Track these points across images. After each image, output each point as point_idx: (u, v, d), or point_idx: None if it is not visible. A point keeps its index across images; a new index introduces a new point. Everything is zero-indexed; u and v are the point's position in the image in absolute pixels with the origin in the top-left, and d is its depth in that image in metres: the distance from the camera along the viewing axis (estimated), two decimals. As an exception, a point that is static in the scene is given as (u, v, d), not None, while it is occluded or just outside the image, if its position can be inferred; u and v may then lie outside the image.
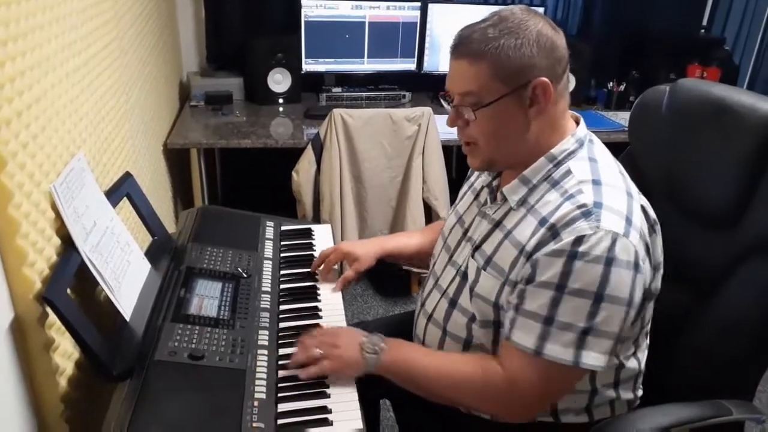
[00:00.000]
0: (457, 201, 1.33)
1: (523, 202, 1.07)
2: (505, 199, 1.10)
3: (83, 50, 1.28)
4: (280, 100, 2.80)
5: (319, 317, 1.26)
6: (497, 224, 1.10)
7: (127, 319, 1.11)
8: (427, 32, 2.86)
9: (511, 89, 1.00)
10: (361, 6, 2.77)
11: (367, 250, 1.40)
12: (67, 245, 1.05)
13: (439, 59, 2.91)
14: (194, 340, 1.09)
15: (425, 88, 2.98)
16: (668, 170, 1.26)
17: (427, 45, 2.88)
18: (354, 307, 2.60)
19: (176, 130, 2.40)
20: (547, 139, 1.06)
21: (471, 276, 1.12)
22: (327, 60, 2.85)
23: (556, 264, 0.95)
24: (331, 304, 1.31)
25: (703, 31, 3.10)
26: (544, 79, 1.00)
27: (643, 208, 1.03)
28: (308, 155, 2.32)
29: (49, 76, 1.07)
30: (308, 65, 2.83)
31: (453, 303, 1.15)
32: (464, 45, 1.01)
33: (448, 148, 2.50)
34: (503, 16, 1.01)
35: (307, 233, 1.59)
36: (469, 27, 1.03)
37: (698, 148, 1.21)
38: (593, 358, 0.97)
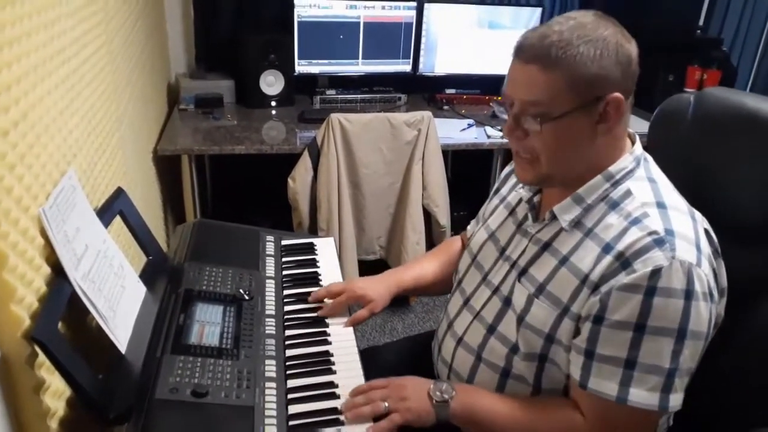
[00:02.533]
0: (484, 214, 1.25)
1: (577, 223, 0.99)
2: (553, 218, 1.02)
3: (73, 57, 1.19)
4: (273, 103, 2.71)
5: (328, 343, 1.19)
6: (546, 246, 1.03)
7: (123, 351, 1.03)
8: (423, 33, 2.79)
9: (583, 103, 0.92)
10: (355, 6, 2.69)
11: (382, 290, 1.29)
12: (58, 274, 0.96)
13: (435, 60, 2.84)
14: (197, 374, 1.01)
15: (421, 89, 2.91)
16: (693, 182, 1.19)
17: (422, 46, 2.81)
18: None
19: (166, 135, 2.30)
20: (606, 157, 0.98)
21: (519, 304, 1.03)
22: (321, 61, 2.76)
23: (631, 300, 0.88)
24: (339, 328, 1.24)
25: (699, 31, 3.06)
26: (619, 95, 0.92)
27: (707, 231, 0.96)
28: (305, 161, 2.24)
29: (37, 89, 0.98)
30: (301, 67, 2.74)
31: (491, 329, 1.08)
32: (535, 48, 0.91)
33: (443, 152, 2.42)
34: (581, 22, 0.92)
35: (310, 248, 1.51)
36: (539, 29, 0.94)
37: (728, 161, 1.15)
38: (677, 398, 0.90)
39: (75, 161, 1.16)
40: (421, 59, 2.83)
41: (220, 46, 2.77)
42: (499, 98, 2.83)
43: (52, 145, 1.04)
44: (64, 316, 0.96)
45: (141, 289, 1.20)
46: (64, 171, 1.07)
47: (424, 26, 2.77)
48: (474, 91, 2.87)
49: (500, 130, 2.48)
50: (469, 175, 2.78)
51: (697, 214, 0.98)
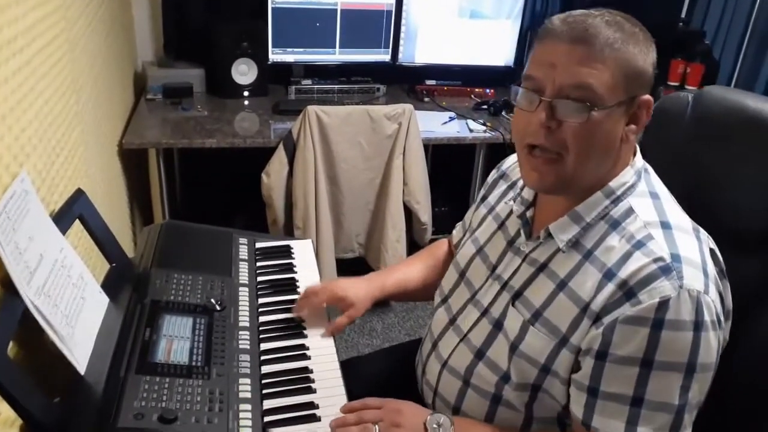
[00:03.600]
0: (471, 223, 1.17)
1: (575, 243, 0.92)
2: (548, 237, 0.95)
3: (25, 47, 1.08)
4: (246, 93, 2.60)
5: (307, 358, 1.11)
6: (542, 268, 0.95)
7: (82, 372, 0.94)
8: (403, 21, 2.70)
9: (626, 98, 0.85)
10: (333, -8, 2.59)
11: (363, 293, 1.21)
12: (8, 290, 0.86)
13: (415, 50, 2.75)
14: (164, 397, 0.93)
15: (401, 80, 2.82)
16: (692, 186, 1.14)
17: (402, 35, 2.72)
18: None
19: (132, 127, 2.18)
20: (610, 169, 0.91)
21: (512, 330, 0.95)
22: (296, 50, 2.66)
23: (637, 334, 0.81)
24: (319, 340, 1.16)
25: (682, 24, 3.03)
26: (649, 96, 0.86)
27: (712, 251, 0.90)
28: (280, 155, 2.14)
29: (-21, 85, 0.87)
30: (276, 55, 2.63)
31: (480, 354, 1.00)
32: (582, 31, 0.82)
33: (424, 147, 2.34)
34: (623, 17, 0.86)
35: (286, 251, 1.42)
36: (573, 15, 0.86)
37: (730, 164, 1.10)
38: None
39: (28, 162, 1.05)
40: (401, 49, 2.74)
41: (190, 32, 2.64)
42: (480, 90, 2.77)
43: (1, 145, 0.93)
44: (16, 334, 0.87)
45: (103, 301, 1.10)
46: (15, 174, 0.97)
47: (403, 14, 2.68)
48: (455, 83, 2.79)
49: (482, 123, 2.42)
50: (450, 170, 2.71)
51: (702, 233, 0.91)
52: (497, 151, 2.45)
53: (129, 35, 2.51)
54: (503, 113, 2.52)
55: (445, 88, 2.76)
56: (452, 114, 2.50)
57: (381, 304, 2.50)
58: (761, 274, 1.05)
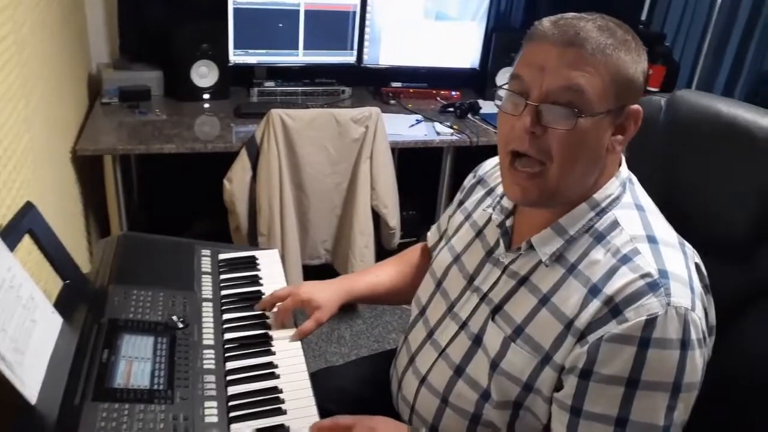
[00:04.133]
0: (447, 229, 1.13)
1: (558, 257, 0.88)
2: (530, 249, 0.92)
3: (-37, 51, 1.00)
4: (206, 96, 2.52)
5: (276, 376, 1.06)
6: (523, 281, 0.92)
7: (33, 402, 0.87)
8: (368, 22, 2.65)
9: (616, 106, 0.82)
10: (295, -8, 2.53)
11: (330, 295, 1.18)
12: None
13: (380, 52, 2.72)
14: (124, 425, 0.87)
15: (366, 82, 2.78)
16: (667, 194, 1.13)
17: (367, 36, 2.68)
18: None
19: (86, 133, 2.08)
20: (600, 179, 0.88)
21: (492, 346, 0.92)
22: (258, 51, 2.59)
23: (623, 353, 0.78)
24: (288, 357, 1.11)
25: (642, 26, 3.07)
26: (638, 106, 0.84)
27: (697, 266, 0.88)
28: (242, 160, 2.08)
29: None
30: (237, 57, 2.56)
31: (459, 371, 0.96)
32: (573, 34, 0.79)
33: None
34: (615, 23, 0.84)
35: (251, 262, 1.37)
36: (563, 17, 0.83)
37: (703, 170, 1.09)
38: None
39: (-30, 174, 0.98)
40: (366, 50, 2.70)
41: (147, 33, 2.54)
42: (446, 92, 2.75)
43: (-62, 158, 0.86)
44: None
45: (56, 322, 1.03)
46: (-45, 188, 0.89)
47: (368, 15, 2.64)
48: (421, 85, 2.76)
49: (449, 126, 2.39)
50: (417, 173, 2.68)
51: (688, 247, 0.89)
52: (465, 154, 2.44)
53: (82, 36, 2.41)
54: (470, 116, 2.51)
55: (411, 90, 2.73)
56: (419, 117, 2.47)
57: (349, 310, 2.47)
58: (740, 285, 1.04)
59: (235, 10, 2.48)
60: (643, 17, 3.07)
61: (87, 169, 2.07)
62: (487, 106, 2.58)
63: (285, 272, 1.36)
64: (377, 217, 2.24)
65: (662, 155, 1.15)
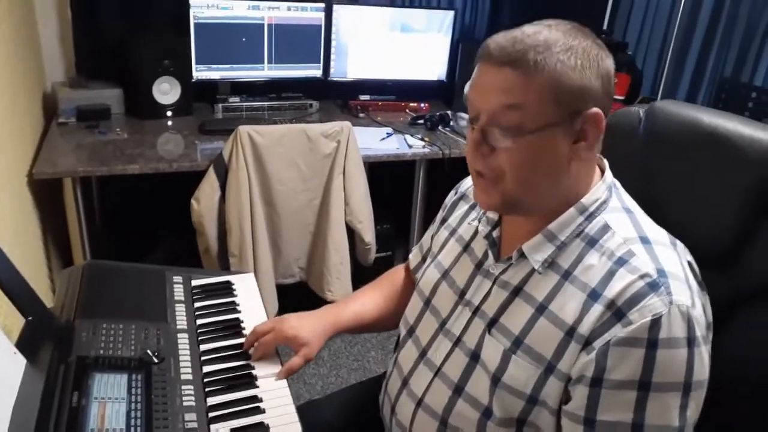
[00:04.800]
0: (432, 247, 1.10)
1: (551, 263, 0.87)
2: (520, 257, 0.90)
3: None
4: (169, 113, 2.45)
5: (261, 411, 1.00)
6: (517, 291, 0.89)
7: (-3, 456, 0.80)
8: (333, 35, 2.63)
9: (563, 117, 0.80)
10: (258, 6, 2.48)
11: (315, 329, 1.12)
12: None
13: (346, 65, 2.68)
14: (99, 475, 0.80)
15: (334, 96, 2.75)
16: (647, 204, 1.12)
17: (333, 49, 2.65)
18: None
19: (43, 155, 1.98)
20: (577, 186, 0.87)
21: (492, 361, 0.89)
22: (221, 66, 2.53)
23: (632, 356, 0.76)
24: (272, 389, 1.05)
25: (604, 35, 3.11)
26: (598, 110, 0.81)
27: (689, 264, 0.87)
28: (210, 180, 2.01)
29: None
30: (200, 72, 2.50)
31: (458, 390, 0.93)
32: (510, 50, 0.79)
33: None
34: (557, 30, 0.81)
35: (226, 288, 1.30)
36: (510, 33, 0.82)
37: (685, 181, 1.08)
38: None
39: None
40: (332, 63, 2.66)
41: (104, 50, 2.46)
42: (415, 105, 2.73)
43: None
44: None
45: (19, 363, 0.95)
46: None
47: (333, 29, 2.61)
48: (389, 98, 2.74)
49: (421, 138, 2.37)
50: (388, 186, 2.64)
51: (679, 246, 0.89)
52: (437, 167, 2.42)
53: (35, 55, 2.30)
54: (440, 128, 2.49)
55: (380, 103, 2.71)
56: (389, 130, 2.45)
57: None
58: (726, 290, 1.03)
59: (197, 24, 2.42)
60: (605, 26, 3.12)
61: (45, 194, 1.97)
62: (456, 118, 2.56)
63: (258, 288, 1.31)
64: (351, 233, 2.20)
65: (642, 167, 1.14)
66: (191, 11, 2.38)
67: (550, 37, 0.80)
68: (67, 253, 2.10)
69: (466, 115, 0.88)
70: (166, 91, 2.42)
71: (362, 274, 2.32)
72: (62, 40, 2.44)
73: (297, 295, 2.27)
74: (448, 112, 2.58)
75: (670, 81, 2.69)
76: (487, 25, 3.01)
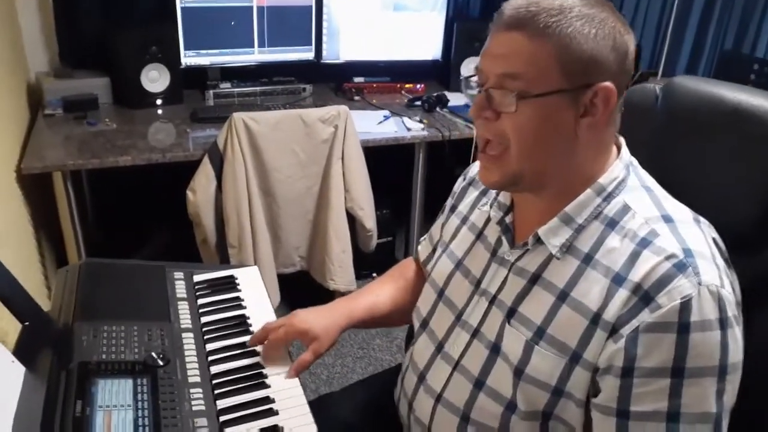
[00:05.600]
0: (443, 236, 1.06)
1: (569, 248, 0.83)
2: (536, 243, 0.86)
3: None
4: (158, 102, 2.38)
5: (274, 413, 0.96)
6: (535, 279, 0.85)
7: (0, 473, 0.75)
8: (325, 17, 2.55)
9: (570, 85, 0.77)
10: (246, -12, 2.41)
11: (328, 323, 1.07)
12: None
13: (339, 47, 2.62)
14: (109, 491, 0.76)
15: (327, 79, 2.69)
16: (670, 186, 1.08)
17: (325, 31, 2.57)
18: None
19: (31, 149, 1.92)
20: (592, 165, 0.83)
21: (513, 353, 0.85)
22: (211, 51, 2.46)
23: (663, 342, 0.73)
24: (284, 389, 1.01)
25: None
26: (610, 84, 0.77)
27: (715, 241, 0.83)
28: (206, 170, 1.95)
29: None
30: (189, 58, 2.43)
31: (479, 384, 0.89)
32: (521, 14, 0.77)
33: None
34: None
35: (230, 283, 1.26)
36: None
37: (708, 161, 1.04)
38: None
39: None
40: (325, 45, 2.59)
41: (88, 38, 2.38)
42: (411, 86, 2.67)
43: None
44: None
45: (17, 372, 0.91)
46: None
47: (324, 9, 2.54)
48: (383, 79, 2.68)
49: (419, 121, 2.32)
50: (387, 170, 2.59)
51: (703, 222, 0.85)
52: (435, 149, 2.37)
53: (17, 45, 2.22)
54: (438, 109, 2.44)
55: (374, 85, 2.65)
56: (386, 112, 2.39)
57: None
58: (749, 277, 0.99)
59: (183, 9, 2.35)
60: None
61: (35, 189, 1.91)
62: (454, 98, 2.51)
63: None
64: (352, 220, 2.15)
65: (660, 146, 1.10)
66: (177, -5, 2.31)
67: (567, 2, 0.77)
68: (60, 249, 2.04)
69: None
70: (154, 79, 2.35)
71: (362, 261, 2.28)
72: (44, 30, 2.36)
73: (299, 285, 2.24)
74: (445, 93, 2.52)
75: (670, 54, 2.64)
76: (481, 2, 2.94)
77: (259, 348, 1.07)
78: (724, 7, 2.52)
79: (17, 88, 2.10)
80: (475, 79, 0.84)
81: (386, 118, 2.33)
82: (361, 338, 2.31)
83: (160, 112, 2.36)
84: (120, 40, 2.28)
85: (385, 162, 2.61)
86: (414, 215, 2.46)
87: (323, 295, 2.20)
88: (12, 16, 2.19)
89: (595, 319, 0.78)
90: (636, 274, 0.76)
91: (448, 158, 2.26)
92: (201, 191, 1.95)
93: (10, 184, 1.70)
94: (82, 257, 1.97)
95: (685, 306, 0.72)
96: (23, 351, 0.94)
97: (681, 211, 0.84)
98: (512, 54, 0.77)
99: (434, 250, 1.12)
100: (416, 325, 1.05)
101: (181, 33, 2.36)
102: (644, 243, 0.78)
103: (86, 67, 2.37)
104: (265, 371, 1.04)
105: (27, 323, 1.01)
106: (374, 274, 2.54)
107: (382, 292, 1.17)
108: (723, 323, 0.74)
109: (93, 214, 2.44)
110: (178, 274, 1.23)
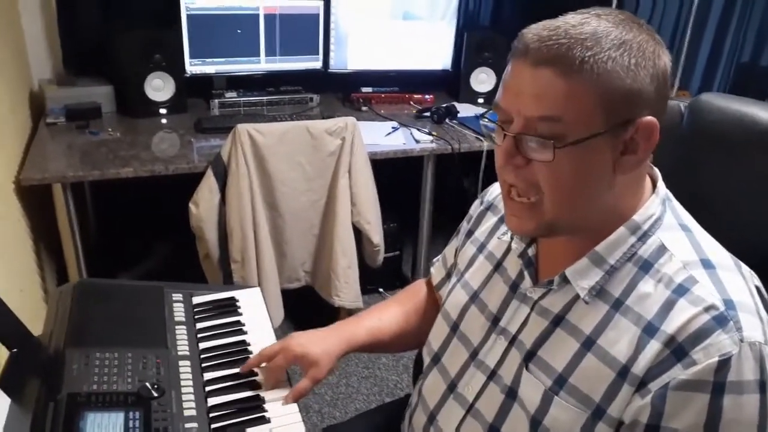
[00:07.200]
0: (458, 263, 1.00)
1: (599, 291, 0.76)
2: (564, 282, 0.79)
3: None
4: (162, 111, 2.34)
5: (274, 448, 0.90)
6: (558, 321, 0.79)
7: None
8: (332, 25, 2.51)
9: (611, 125, 0.69)
10: (253, -4, 2.36)
11: (327, 348, 1.01)
12: None
13: (347, 56, 2.57)
14: None
15: (334, 89, 2.64)
16: (692, 210, 1.02)
17: (332, 40, 2.53)
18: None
19: (31, 159, 1.87)
20: (627, 201, 0.76)
21: (531, 400, 0.79)
22: (216, 60, 2.42)
23: (694, 402, 0.66)
24: (285, 424, 0.95)
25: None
26: (652, 119, 0.70)
27: (758, 289, 0.76)
28: (209, 182, 1.90)
29: None
30: (194, 67, 2.38)
31: (493, 430, 0.83)
32: (550, 47, 0.68)
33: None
34: (609, 21, 0.69)
35: (230, 305, 1.20)
36: (550, 23, 0.70)
37: (737, 180, 0.99)
38: None
39: None
40: (332, 54, 2.55)
41: (92, 45, 2.34)
42: (419, 96, 2.62)
43: None
44: None
45: (2, 404, 0.86)
46: None
47: (332, 17, 2.49)
48: (392, 89, 2.63)
49: (428, 133, 2.26)
50: (394, 182, 2.54)
51: (744, 268, 0.78)
52: (444, 161, 2.31)
53: (20, 52, 2.18)
54: (447, 120, 2.38)
55: (383, 95, 2.59)
56: (394, 124, 2.33)
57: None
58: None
59: (189, 17, 2.30)
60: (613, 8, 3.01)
61: (35, 201, 1.86)
62: (464, 110, 2.45)
63: (263, 298, 1.22)
64: (358, 234, 2.09)
65: (686, 166, 1.04)
66: (182, 3, 2.27)
67: (599, 28, 0.68)
68: (61, 264, 1.99)
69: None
70: (158, 87, 2.31)
71: (369, 276, 2.22)
72: (48, 37, 2.32)
73: (303, 301, 2.18)
74: (455, 104, 2.47)
75: (685, 68, 2.58)
76: (492, 12, 2.89)
77: (258, 378, 1.01)
78: (741, 18, 2.46)
79: (20, 95, 2.06)
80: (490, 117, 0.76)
81: (394, 129, 2.28)
82: (367, 357, 2.25)
83: (164, 121, 2.31)
84: (124, 48, 2.24)
85: (393, 174, 2.56)
86: (422, 229, 2.39)
87: (328, 311, 2.14)
88: (15, 22, 2.15)
89: (623, 372, 0.71)
90: (670, 326, 0.69)
91: (457, 171, 2.20)
92: (204, 204, 1.90)
93: (8, 196, 1.66)
94: (83, 271, 1.92)
95: (723, 364, 0.66)
96: (9, 381, 0.89)
97: (721, 256, 0.76)
98: (545, 95, 0.69)
99: (448, 275, 1.05)
100: (427, 359, 0.98)
101: (186, 40, 2.32)
102: (681, 291, 0.71)
103: (89, 74, 2.34)
104: (263, 399, 0.98)
105: (15, 350, 0.96)
106: (381, 290, 2.48)
107: (386, 316, 1.10)
108: (764, 386, 0.67)
109: (95, 225, 2.40)
110: (177, 296, 1.18)
